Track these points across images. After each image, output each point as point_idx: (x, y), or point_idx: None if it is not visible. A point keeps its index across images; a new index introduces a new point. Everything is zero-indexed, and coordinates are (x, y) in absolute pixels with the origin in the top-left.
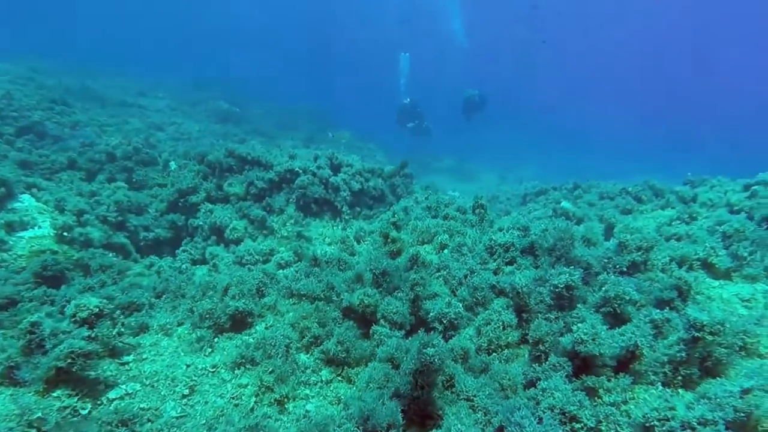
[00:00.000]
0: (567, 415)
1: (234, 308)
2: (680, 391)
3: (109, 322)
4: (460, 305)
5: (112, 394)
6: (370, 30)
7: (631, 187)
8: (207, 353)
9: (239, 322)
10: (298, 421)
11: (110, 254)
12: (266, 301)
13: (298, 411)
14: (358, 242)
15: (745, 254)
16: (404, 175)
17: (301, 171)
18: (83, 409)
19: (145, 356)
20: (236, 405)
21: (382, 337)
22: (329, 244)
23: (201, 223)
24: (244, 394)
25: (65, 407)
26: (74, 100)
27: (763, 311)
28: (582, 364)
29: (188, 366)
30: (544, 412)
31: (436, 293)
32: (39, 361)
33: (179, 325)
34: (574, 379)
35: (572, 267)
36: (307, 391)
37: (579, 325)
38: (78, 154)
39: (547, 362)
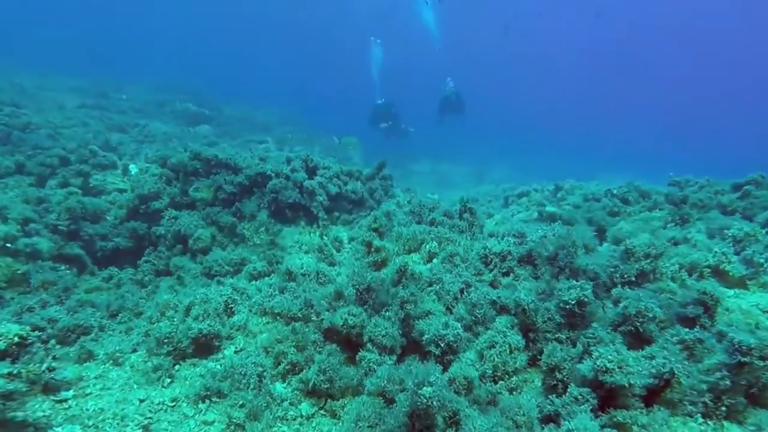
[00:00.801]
0: None
1: (197, 331)
2: (725, 423)
3: (41, 353)
4: (459, 325)
5: None
6: (342, 30)
7: (616, 189)
8: (165, 384)
9: (204, 347)
10: None
11: (62, 267)
12: (236, 320)
13: None
14: (338, 250)
15: (762, 260)
16: (384, 177)
17: (273, 174)
18: None
19: (89, 391)
20: None
21: (370, 364)
22: (306, 252)
23: (165, 230)
24: None
25: None
26: (27, 101)
27: None
28: (606, 395)
29: (142, 401)
30: None
31: (429, 311)
32: None
33: (133, 351)
34: (599, 413)
35: (579, 279)
36: (285, 429)
37: (600, 349)
38: (27, 158)
39: (567, 394)
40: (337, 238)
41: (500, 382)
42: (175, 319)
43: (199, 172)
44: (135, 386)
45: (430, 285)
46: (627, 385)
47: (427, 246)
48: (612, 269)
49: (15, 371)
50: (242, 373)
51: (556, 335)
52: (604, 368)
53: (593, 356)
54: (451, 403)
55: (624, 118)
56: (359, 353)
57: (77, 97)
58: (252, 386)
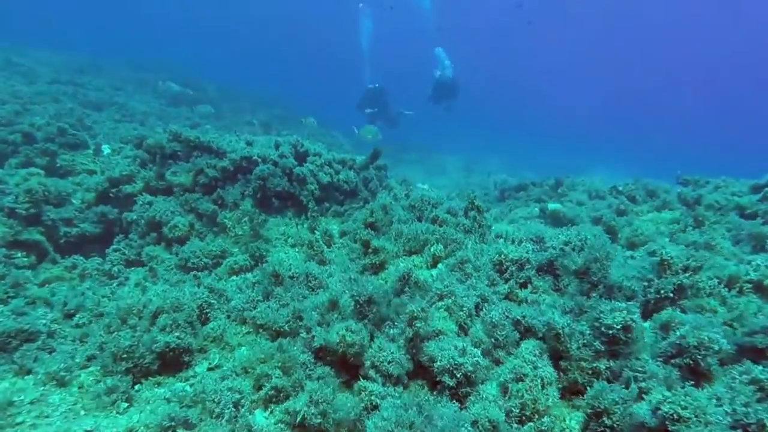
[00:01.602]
0: None
1: (164, 344)
2: None
3: None
4: (478, 352)
5: None
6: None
7: (622, 186)
8: (121, 410)
9: (171, 362)
10: None
11: (19, 254)
12: (211, 328)
13: None
14: (328, 245)
15: None
16: (377, 167)
17: (260, 160)
18: None
19: (20, 419)
20: None
21: (372, 397)
22: (292, 246)
23: (137, 216)
24: None
25: None
26: None
27: None
28: None
29: None
30: None
31: (440, 330)
32: None
33: (83, 368)
34: None
35: (614, 297)
36: None
37: (664, 392)
38: None
39: None
40: (327, 232)
41: (528, 423)
42: (138, 329)
43: (177, 154)
44: (82, 413)
45: (441, 299)
46: None
47: (432, 248)
48: (645, 283)
49: None
50: (216, 399)
51: (593, 365)
52: (674, 416)
53: (654, 399)
54: None
55: (617, 115)
56: (359, 382)
57: (50, 72)
58: (227, 416)
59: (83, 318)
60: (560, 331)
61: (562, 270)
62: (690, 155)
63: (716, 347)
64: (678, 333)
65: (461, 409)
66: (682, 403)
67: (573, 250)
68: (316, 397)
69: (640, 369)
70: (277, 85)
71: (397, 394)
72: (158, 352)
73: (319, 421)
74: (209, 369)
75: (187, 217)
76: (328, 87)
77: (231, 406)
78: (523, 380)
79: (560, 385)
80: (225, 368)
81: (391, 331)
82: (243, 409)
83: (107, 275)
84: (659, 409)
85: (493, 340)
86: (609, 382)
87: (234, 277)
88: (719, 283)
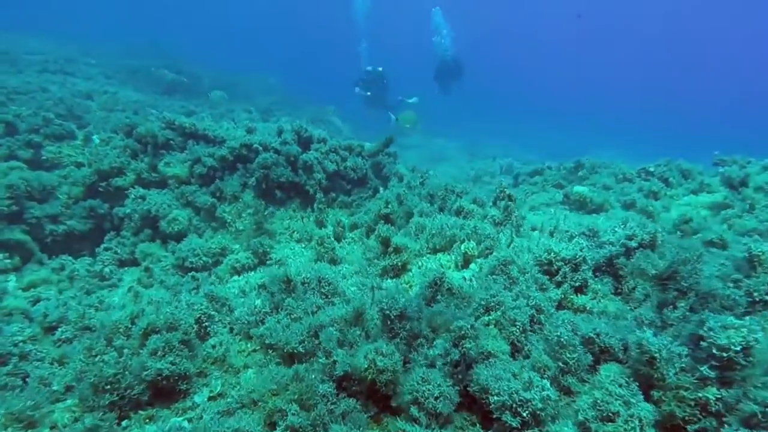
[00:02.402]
0: None
1: (155, 371)
2: None
3: None
4: (547, 383)
5: None
6: None
7: (653, 167)
8: None
9: (165, 392)
10: None
11: (0, 256)
12: (211, 346)
13: None
14: (338, 240)
15: None
16: (387, 154)
17: (261, 147)
18: None
19: None
20: None
21: None
22: (298, 241)
23: (130, 211)
24: None
25: None
26: None
27: None
28: None
29: None
30: None
31: (490, 352)
32: None
33: (58, 401)
34: None
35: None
36: None
37: None
38: None
39: None
40: (340, 223)
41: None
42: (126, 351)
43: (171, 144)
44: None
45: (487, 311)
46: None
47: (462, 246)
48: (731, 284)
49: None
50: None
51: (697, 395)
52: None
53: None
54: None
55: (617, 94)
56: (396, 422)
57: (40, 61)
58: None
59: (66, 332)
60: (656, 354)
61: (635, 273)
62: (691, 139)
63: None
64: None
65: None
66: None
67: (640, 246)
68: None
69: (763, 403)
70: (274, 72)
71: None
72: (149, 380)
73: None
74: (210, 398)
75: (184, 211)
76: (325, 72)
77: None
78: (613, 420)
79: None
80: (229, 398)
81: (430, 352)
82: None
83: (99, 277)
84: None
85: (560, 364)
86: (719, 416)
87: (236, 278)
88: None
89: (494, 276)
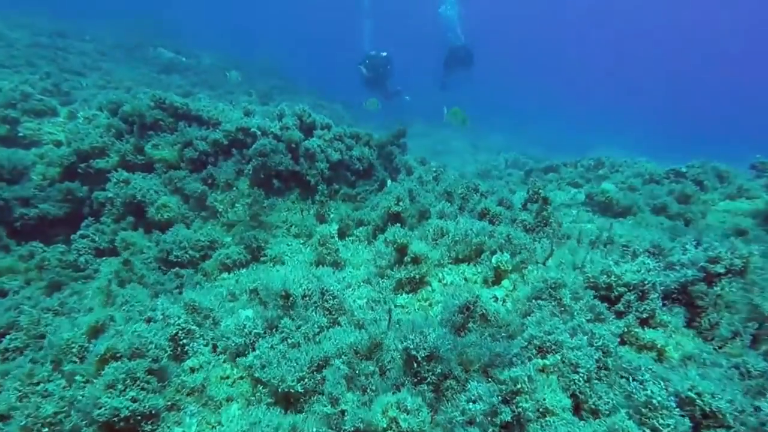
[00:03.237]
0: None
1: (111, 411)
2: None
3: None
4: None
5: None
6: None
7: (685, 168)
8: None
9: None
10: None
11: None
12: (188, 368)
13: None
14: (341, 238)
15: None
16: (397, 144)
17: (259, 132)
18: None
19: None
20: None
21: None
22: (296, 236)
23: (112, 196)
24: None
25: None
26: None
27: None
28: None
29: None
30: None
31: (546, 409)
32: None
33: None
34: None
35: None
36: None
37: None
38: None
39: None
40: (343, 221)
41: None
42: (78, 378)
43: (160, 124)
44: None
45: (541, 353)
46: None
47: (494, 258)
48: None
49: None
50: None
51: None
52: None
53: None
54: None
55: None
56: None
57: (30, 36)
58: None
59: (16, 341)
60: None
61: (719, 305)
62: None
63: None
64: None
65: None
66: None
67: (729, 272)
68: None
69: None
70: (276, 55)
71: None
72: (102, 422)
73: None
74: None
75: (172, 198)
76: (328, 57)
77: None
78: None
79: None
80: None
81: (470, 407)
82: None
83: (72, 267)
84: None
85: (647, 431)
86: None
87: (226, 275)
88: None
89: (540, 301)
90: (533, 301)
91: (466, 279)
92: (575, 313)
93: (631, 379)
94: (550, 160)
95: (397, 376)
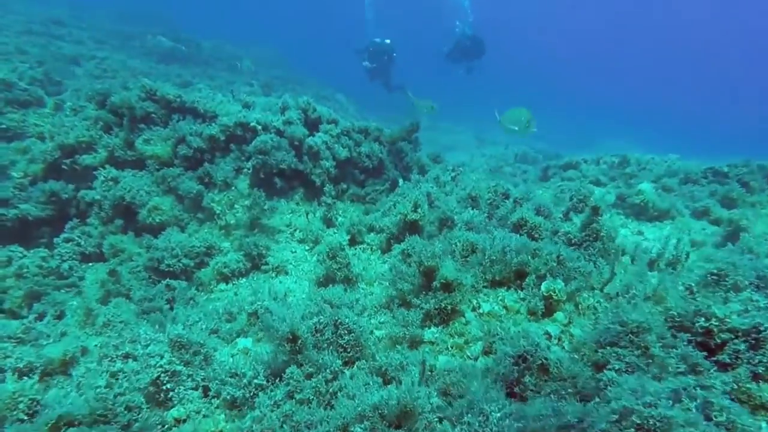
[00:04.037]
0: None
1: None
2: None
3: None
4: None
5: None
6: None
7: (727, 167)
8: None
9: None
10: None
11: None
12: (172, 419)
13: None
14: (351, 245)
15: None
16: (409, 141)
17: (260, 127)
18: None
19: None
20: None
21: None
22: (300, 242)
23: (99, 196)
24: None
25: None
26: None
27: None
28: None
29: None
30: None
31: None
32: None
33: None
34: None
35: None
36: None
37: None
38: None
39: None
40: (353, 227)
41: None
42: None
43: (152, 117)
44: None
45: (620, 419)
46: None
47: (543, 286)
48: None
49: None
50: None
51: None
52: None
53: None
54: None
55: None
56: None
57: (23, 23)
58: None
59: None
60: None
61: None
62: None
63: None
64: None
65: None
66: None
67: None
68: None
69: None
70: (278, 45)
71: None
72: None
73: None
74: None
75: (166, 199)
76: (331, 48)
77: None
78: None
79: None
80: None
81: None
82: None
83: (54, 274)
84: None
85: None
86: None
87: (223, 286)
88: None
89: (618, 349)
90: (606, 348)
91: (506, 308)
92: (668, 365)
93: None
94: (569, 156)
95: None
